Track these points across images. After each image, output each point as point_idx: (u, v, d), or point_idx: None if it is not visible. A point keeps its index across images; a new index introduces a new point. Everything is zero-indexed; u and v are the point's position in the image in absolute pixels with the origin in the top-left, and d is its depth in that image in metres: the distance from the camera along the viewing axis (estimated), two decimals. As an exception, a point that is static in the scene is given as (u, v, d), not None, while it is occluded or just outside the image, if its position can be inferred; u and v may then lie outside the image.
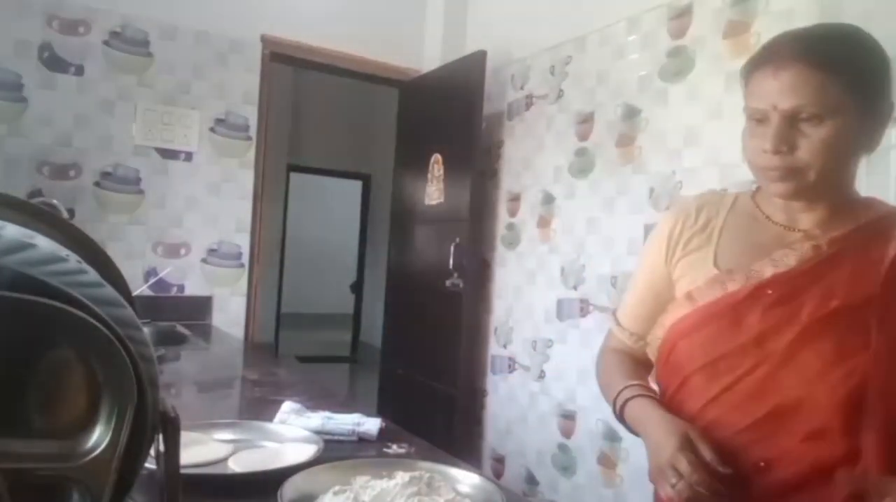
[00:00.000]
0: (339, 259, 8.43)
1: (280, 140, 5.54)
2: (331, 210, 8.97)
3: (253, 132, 3.10)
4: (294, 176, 6.34)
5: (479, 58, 3.02)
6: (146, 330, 0.48)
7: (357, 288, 7.24)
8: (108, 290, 0.46)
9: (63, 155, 2.69)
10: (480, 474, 0.95)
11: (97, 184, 2.76)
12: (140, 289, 2.69)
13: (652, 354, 1.07)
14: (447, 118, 3.20)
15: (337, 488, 0.84)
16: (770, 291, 0.90)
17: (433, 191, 3.30)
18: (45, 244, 0.45)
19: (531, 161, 2.99)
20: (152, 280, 2.78)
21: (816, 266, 0.89)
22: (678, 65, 2.30)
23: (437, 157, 3.28)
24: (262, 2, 3.09)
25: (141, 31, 2.83)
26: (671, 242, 1.03)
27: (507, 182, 3.14)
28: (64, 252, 0.46)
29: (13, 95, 2.59)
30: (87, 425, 0.42)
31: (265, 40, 3.11)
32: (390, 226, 3.80)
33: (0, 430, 0.40)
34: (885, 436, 0.84)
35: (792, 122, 0.85)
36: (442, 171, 3.24)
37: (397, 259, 3.68)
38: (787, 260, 0.91)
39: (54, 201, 2.40)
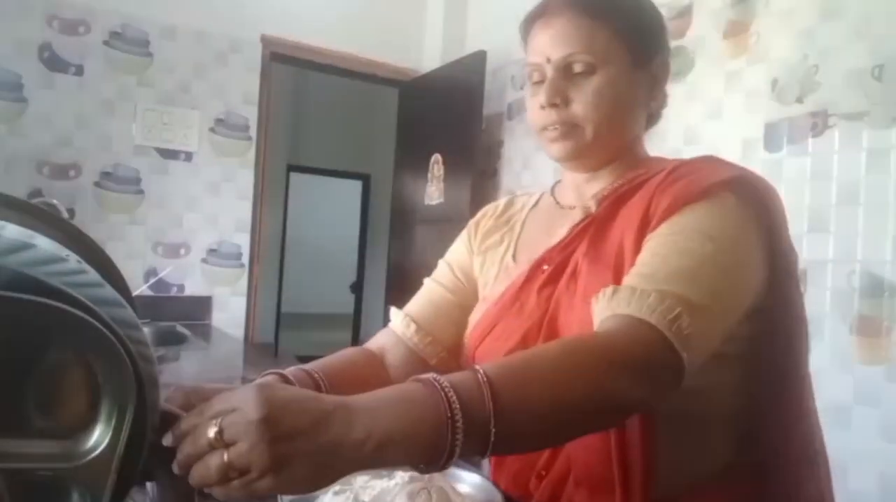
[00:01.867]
0: (339, 259, 8.42)
1: (280, 140, 5.54)
2: (331, 210, 8.97)
3: (253, 132, 3.10)
4: (294, 176, 6.33)
5: (479, 58, 3.02)
6: (146, 330, 0.48)
7: (357, 288, 7.23)
8: (108, 290, 0.46)
9: (63, 155, 2.69)
10: (480, 474, 0.95)
11: (97, 184, 2.76)
12: (140, 289, 2.69)
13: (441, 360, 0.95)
14: (447, 118, 3.20)
15: (337, 488, 0.84)
16: (545, 267, 0.85)
17: (433, 191, 3.30)
18: (45, 244, 0.45)
19: (531, 161, 2.99)
20: (152, 280, 2.78)
21: (584, 228, 0.83)
22: (678, 64, 2.30)
23: (437, 157, 3.28)
24: (262, 2, 3.09)
25: (141, 31, 2.82)
26: (471, 231, 1.02)
27: (507, 182, 3.14)
28: (64, 252, 0.46)
29: (13, 95, 2.59)
30: (86, 425, 0.42)
31: (265, 40, 3.11)
32: (390, 226, 3.80)
33: (0, 430, 0.40)
34: None
35: (565, 73, 0.83)
36: (442, 171, 3.24)
37: (397, 259, 3.68)
38: (561, 231, 0.86)
39: (54, 201, 2.40)
